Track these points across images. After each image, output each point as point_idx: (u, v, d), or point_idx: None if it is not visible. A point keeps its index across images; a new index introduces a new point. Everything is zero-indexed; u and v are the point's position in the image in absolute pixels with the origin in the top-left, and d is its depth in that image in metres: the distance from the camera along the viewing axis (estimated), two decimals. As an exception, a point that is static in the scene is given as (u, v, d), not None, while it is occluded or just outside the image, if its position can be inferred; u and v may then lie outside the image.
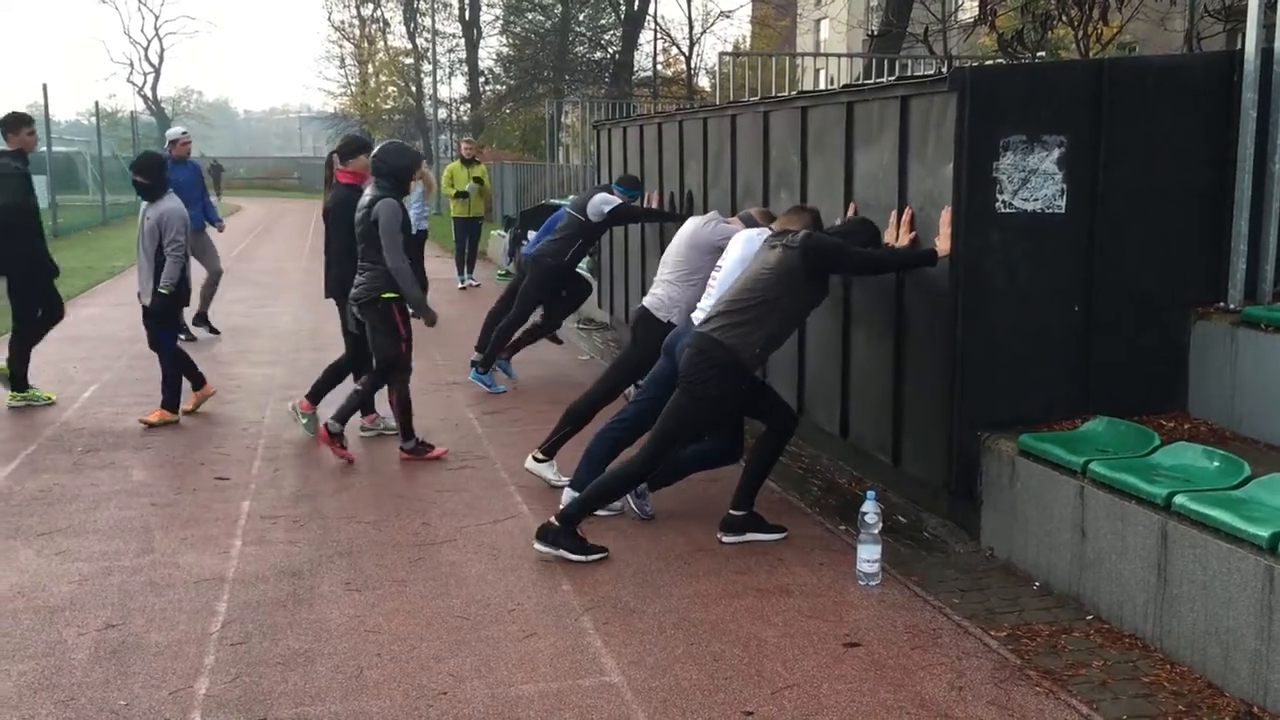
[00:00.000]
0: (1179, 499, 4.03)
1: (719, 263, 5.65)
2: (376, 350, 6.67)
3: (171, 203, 7.41)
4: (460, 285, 15.40)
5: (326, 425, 6.60)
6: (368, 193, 6.55)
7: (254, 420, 7.72)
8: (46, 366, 9.54)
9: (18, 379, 8.12)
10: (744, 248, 5.50)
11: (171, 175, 10.35)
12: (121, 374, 9.33)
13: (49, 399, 8.22)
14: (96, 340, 11.00)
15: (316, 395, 7.21)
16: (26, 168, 8.07)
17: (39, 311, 8.18)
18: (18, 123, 8.21)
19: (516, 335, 8.93)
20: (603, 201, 8.54)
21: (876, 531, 4.74)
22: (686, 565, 4.99)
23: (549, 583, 4.78)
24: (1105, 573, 4.38)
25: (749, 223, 5.99)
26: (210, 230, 11.30)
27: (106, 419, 7.73)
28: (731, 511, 5.33)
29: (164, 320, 7.57)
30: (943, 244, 5.07)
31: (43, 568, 4.95)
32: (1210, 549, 3.84)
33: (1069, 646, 4.18)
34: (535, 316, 9.04)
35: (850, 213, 5.71)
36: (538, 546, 5.05)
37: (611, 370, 6.45)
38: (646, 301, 6.19)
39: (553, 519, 5.10)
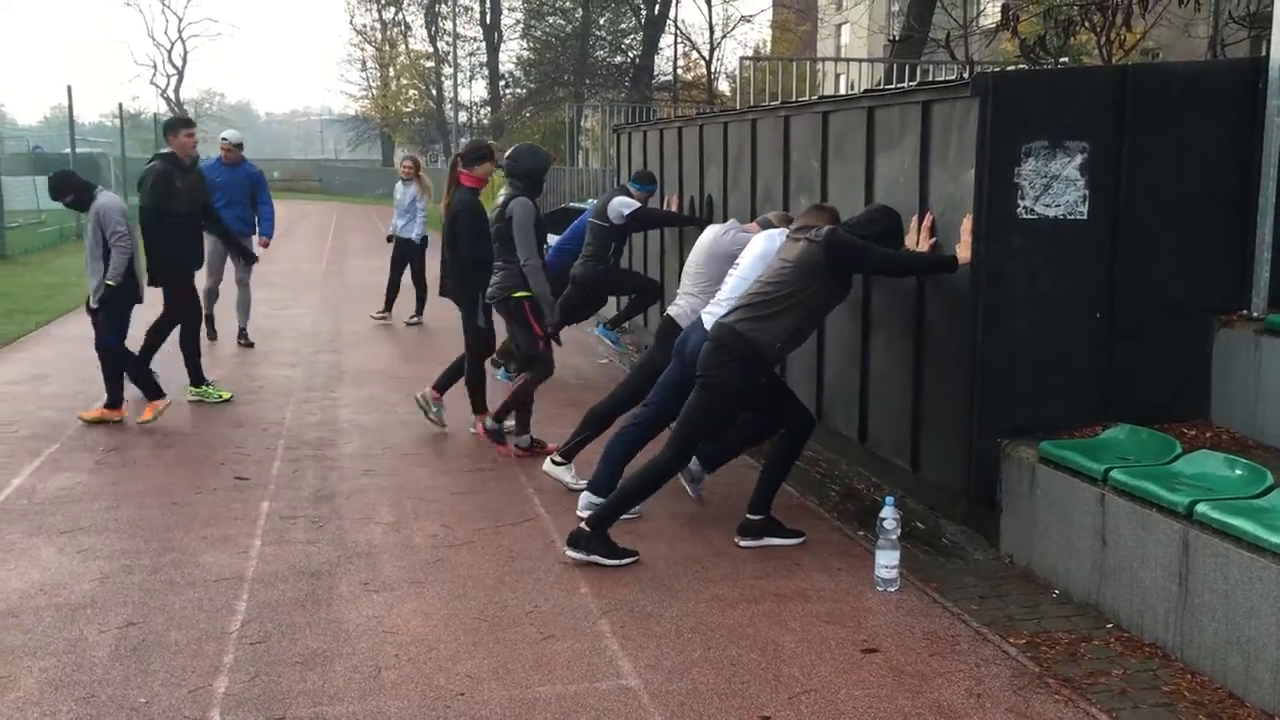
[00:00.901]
0: (1201, 508, 4.00)
1: (737, 260, 5.65)
2: (517, 347, 6.92)
3: (104, 198, 7.45)
4: None
5: (484, 425, 6.95)
6: (502, 193, 6.79)
7: (274, 421, 7.76)
8: (70, 366, 9.62)
9: (194, 374, 8.20)
10: (765, 244, 5.51)
11: (218, 179, 10.37)
12: (143, 374, 9.38)
13: (224, 397, 8.24)
14: (119, 340, 11.05)
15: (443, 386, 7.46)
16: (183, 170, 8.04)
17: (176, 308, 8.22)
18: (179, 125, 8.31)
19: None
20: (622, 204, 8.56)
21: (895, 537, 4.72)
22: (704, 570, 4.99)
23: (567, 586, 4.79)
24: (1126, 581, 4.35)
25: (767, 227, 5.99)
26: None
27: (128, 419, 7.77)
28: (749, 516, 5.32)
29: (110, 315, 7.52)
30: (963, 251, 5.06)
31: (64, 566, 4.98)
32: (1232, 558, 3.81)
33: (1088, 655, 4.16)
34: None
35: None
36: (569, 553, 5.04)
37: (633, 376, 6.45)
38: (671, 311, 6.20)
39: (583, 524, 5.10)
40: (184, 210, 8.02)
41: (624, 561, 5.00)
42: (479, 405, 7.15)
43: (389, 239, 12.80)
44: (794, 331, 5.12)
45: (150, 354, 8.04)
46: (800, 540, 5.30)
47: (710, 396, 5.11)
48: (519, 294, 6.65)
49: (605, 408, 6.27)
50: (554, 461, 6.18)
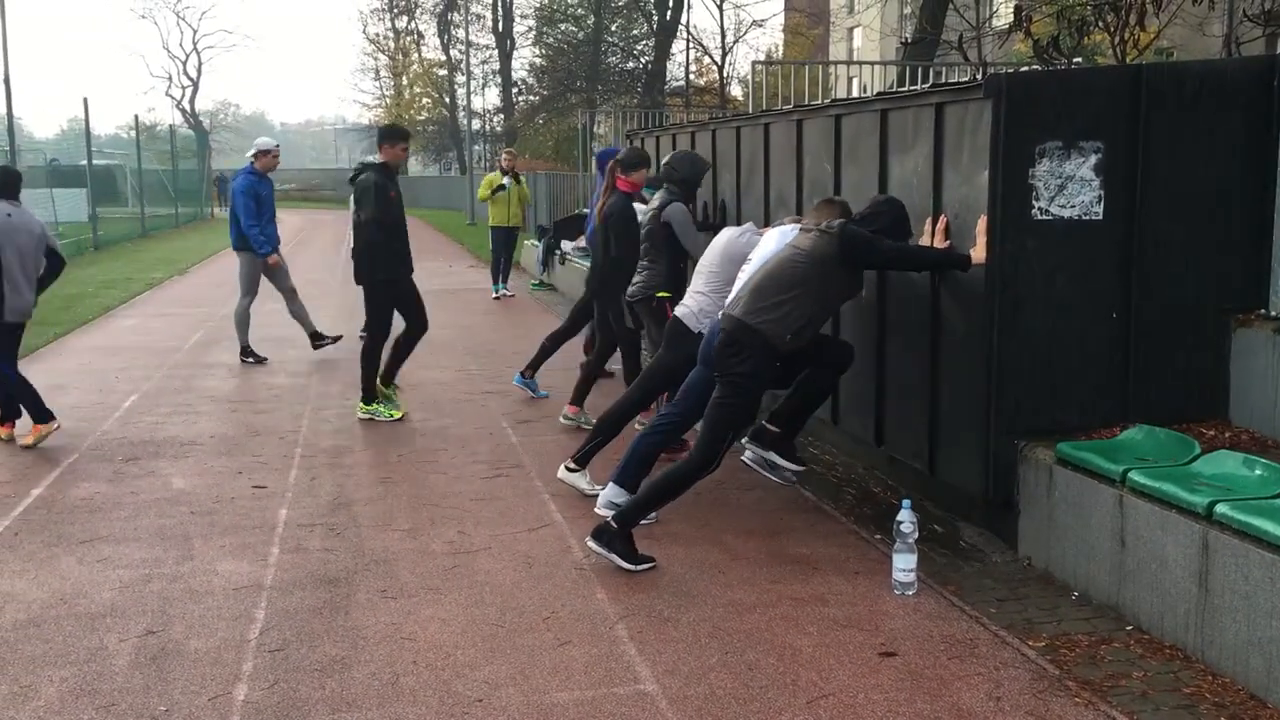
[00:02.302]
0: (1220, 508, 3.98)
1: (750, 255, 5.65)
2: (653, 346, 6.98)
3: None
4: (495, 295, 15.44)
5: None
6: (656, 197, 6.94)
7: (291, 429, 7.78)
8: (88, 376, 9.69)
9: (366, 391, 8.11)
10: (778, 240, 5.51)
11: (262, 190, 10.30)
12: (161, 384, 9.44)
13: (393, 415, 8.05)
14: (136, 350, 11.14)
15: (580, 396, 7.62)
16: (394, 181, 8.05)
17: (388, 324, 8.15)
18: (395, 136, 8.27)
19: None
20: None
21: (912, 540, 4.71)
22: (721, 574, 4.98)
23: (584, 591, 4.79)
24: (1145, 582, 4.33)
25: None
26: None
27: (146, 428, 7.82)
28: (767, 425, 5.35)
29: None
30: (978, 251, 5.04)
31: (84, 575, 5.01)
32: (1252, 559, 3.79)
33: (1108, 657, 4.14)
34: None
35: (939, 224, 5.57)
36: (591, 544, 5.07)
37: (644, 379, 6.45)
38: (679, 311, 6.19)
39: (610, 520, 5.10)
40: (396, 221, 7.99)
41: (640, 568, 5.00)
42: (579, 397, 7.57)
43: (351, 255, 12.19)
44: (805, 323, 5.12)
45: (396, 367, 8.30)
46: (800, 470, 5.45)
47: (729, 392, 5.11)
48: (662, 294, 6.79)
49: (617, 413, 6.27)
50: (568, 468, 6.19)
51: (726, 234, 6.20)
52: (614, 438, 6.24)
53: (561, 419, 7.72)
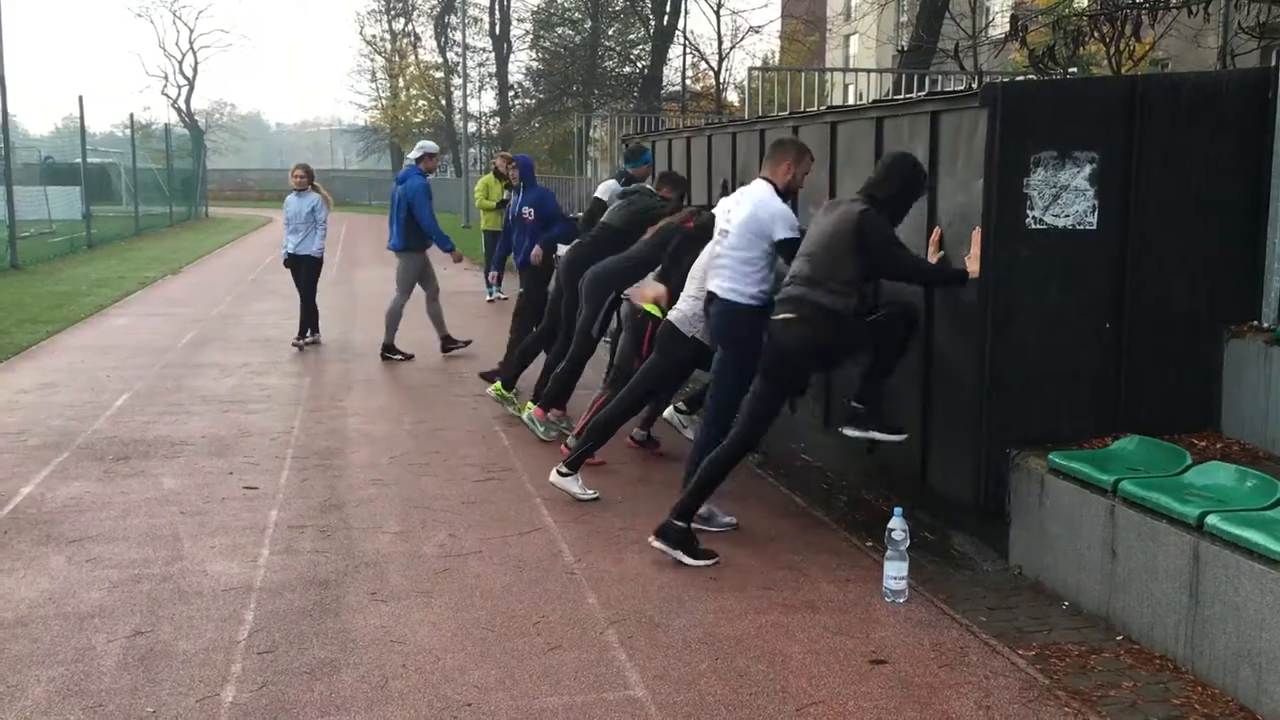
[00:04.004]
0: (1211, 519, 3.98)
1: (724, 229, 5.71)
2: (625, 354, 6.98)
3: None
4: (489, 298, 15.42)
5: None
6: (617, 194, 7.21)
7: (283, 430, 7.77)
8: (79, 374, 9.66)
9: (505, 381, 8.22)
10: (747, 209, 5.60)
11: (421, 213, 10.17)
12: (153, 383, 9.42)
13: (521, 410, 7.91)
14: (129, 349, 11.11)
15: (688, 402, 7.30)
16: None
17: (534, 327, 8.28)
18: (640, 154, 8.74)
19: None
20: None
21: (904, 548, 4.71)
22: (712, 580, 4.98)
23: (574, 595, 4.78)
24: (1136, 593, 4.33)
25: None
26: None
27: (138, 428, 7.80)
28: (854, 404, 5.40)
29: None
30: (973, 265, 5.04)
31: (73, 575, 4.99)
32: (1243, 570, 3.79)
33: (1098, 667, 4.14)
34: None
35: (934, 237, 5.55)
36: (655, 543, 5.16)
37: (636, 383, 6.44)
38: (672, 316, 6.19)
39: (673, 519, 5.18)
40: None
41: (702, 563, 5.10)
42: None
43: (285, 263, 11.51)
44: (853, 301, 5.18)
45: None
46: (903, 437, 5.41)
47: (769, 384, 5.22)
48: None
49: (607, 418, 6.25)
50: (560, 473, 6.18)
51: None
52: (605, 442, 6.23)
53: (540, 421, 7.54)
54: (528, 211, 8.99)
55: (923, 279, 5.36)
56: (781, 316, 5.18)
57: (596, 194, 8.84)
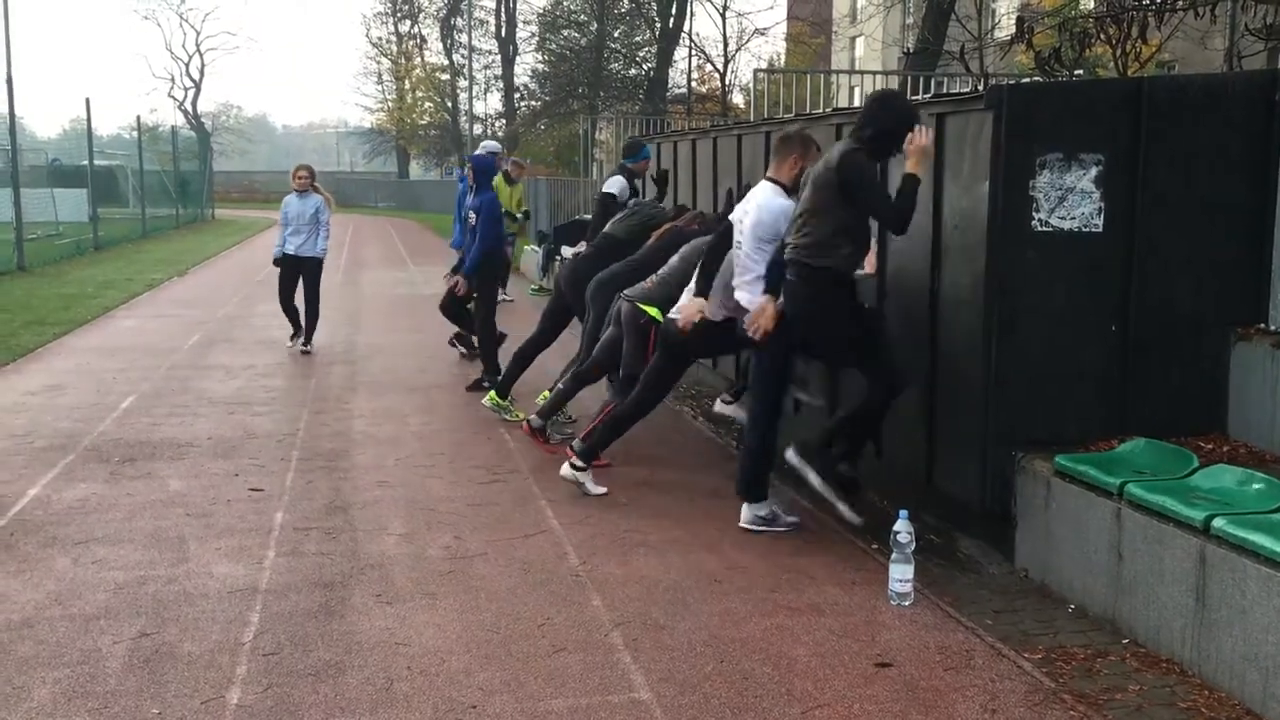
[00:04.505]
0: (1218, 522, 3.97)
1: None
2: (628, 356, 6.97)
3: None
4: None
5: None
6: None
7: (289, 432, 7.77)
8: (86, 376, 9.68)
9: (500, 390, 8.13)
10: (754, 215, 5.63)
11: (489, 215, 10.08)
12: (159, 385, 9.43)
13: (518, 416, 7.87)
14: (135, 351, 11.13)
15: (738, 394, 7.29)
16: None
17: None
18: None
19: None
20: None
21: (909, 551, 4.70)
22: (717, 583, 4.97)
23: (579, 598, 4.78)
24: (1142, 596, 4.32)
25: None
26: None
27: (143, 429, 7.81)
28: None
29: None
30: (911, 163, 5.00)
31: (79, 576, 5.00)
32: (1250, 573, 3.78)
33: (1105, 670, 4.13)
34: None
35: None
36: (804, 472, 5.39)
37: (650, 380, 6.39)
38: (672, 313, 6.20)
39: (805, 455, 5.40)
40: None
41: (836, 497, 5.39)
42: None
43: (276, 261, 11.33)
44: (849, 251, 5.18)
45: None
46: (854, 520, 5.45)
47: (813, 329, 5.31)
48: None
49: (628, 413, 6.27)
50: (573, 465, 6.20)
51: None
52: (619, 437, 6.25)
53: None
54: (472, 216, 9.05)
55: (892, 213, 5.12)
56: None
57: (606, 189, 8.82)
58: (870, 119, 5.16)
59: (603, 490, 6.11)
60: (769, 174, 5.75)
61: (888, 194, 5.16)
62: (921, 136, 4.99)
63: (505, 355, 9.06)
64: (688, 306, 5.94)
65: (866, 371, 5.32)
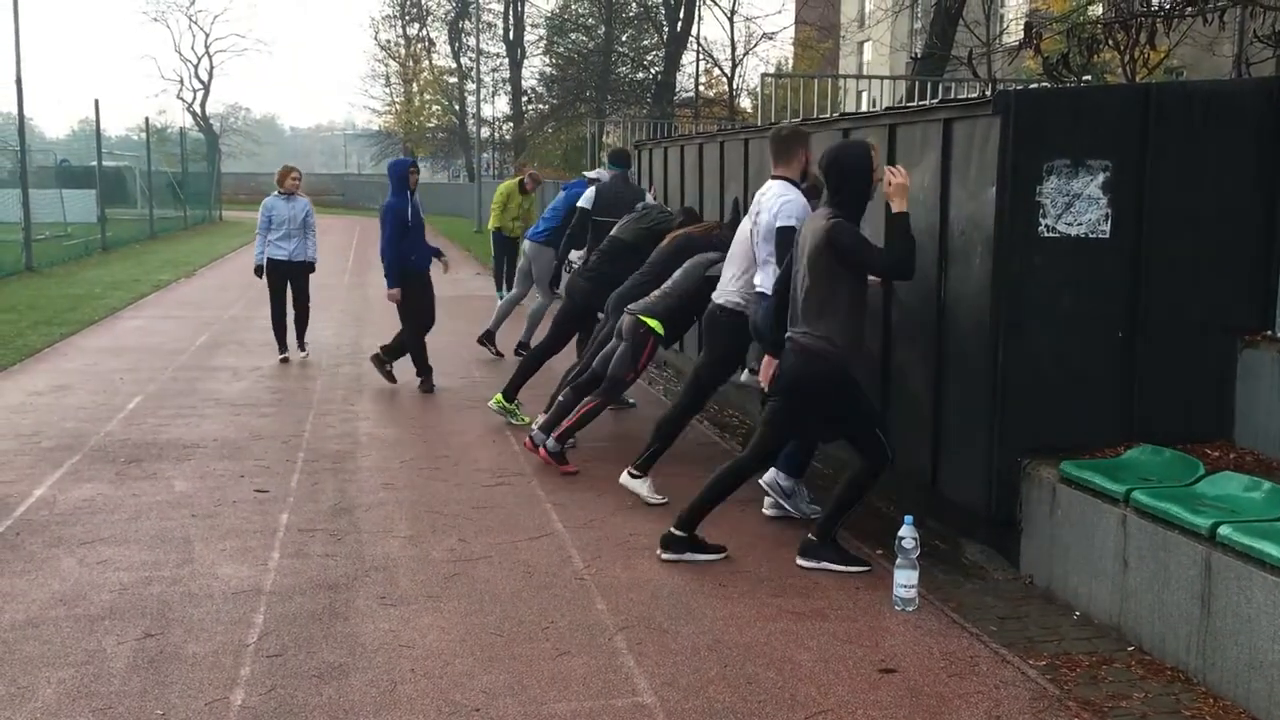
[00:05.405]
0: (1224, 530, 3.96)
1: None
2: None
3: None
4: (498, 301, 15.36)
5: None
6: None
7: (294, 433, 7.78)
8: (93, 377, 9.70)
9: (505, 393, 8.11)
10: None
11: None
12: (166, 385, 9.45)
13: (524, 420, 7.92)
14: (142, 352, 11.16)
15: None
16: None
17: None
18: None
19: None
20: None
21: (914, 556, 4.69)
22: (721, 587, 4.97)
23: (583, 601, 4.78)
24: (1147, 603, 4.31)
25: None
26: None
27: (150, 430, 7.82)
28: (809, 535, 5.29)
29: None
30: (896, 205, 4.87)
31: (84, 576, 5.01)
32: (1255, 581, 3.77)
33: (1109, 678, 4.12)
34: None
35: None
36: (800, 562, 5.19)
37: (698, 381, 6.38)
38: (747, 379, 6.33)
39: (810, 534, 5.24)
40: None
41: (853, 569, 5.12)
42: None
43: (259, 271, 10.72)
44: (848, 322, 5.03)
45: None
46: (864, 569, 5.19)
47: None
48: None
49: (673, 418, 6.29)
50: (630, 474, 6.23)
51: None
52: (673, 442, 6.27)
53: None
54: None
55: (891, 263, 4.98)
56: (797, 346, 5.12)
57: (579, 203, 8.83)
58: (837, 182, 5.00)
59: (663, 500, 6.08)
60: (777, 173, 5.77)
61: (878, 248, 4.98)
62: (896, 175, 4.88)
63: (508, 353, 9.09)
64: (764, 369, 5.67)
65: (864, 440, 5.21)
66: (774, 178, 5.84)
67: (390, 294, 9.23)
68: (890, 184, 4.88)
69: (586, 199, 8.75)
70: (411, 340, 9.38)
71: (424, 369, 9.40)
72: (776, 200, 5.65)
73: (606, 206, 8.61)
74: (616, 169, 9.25)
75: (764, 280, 5.69)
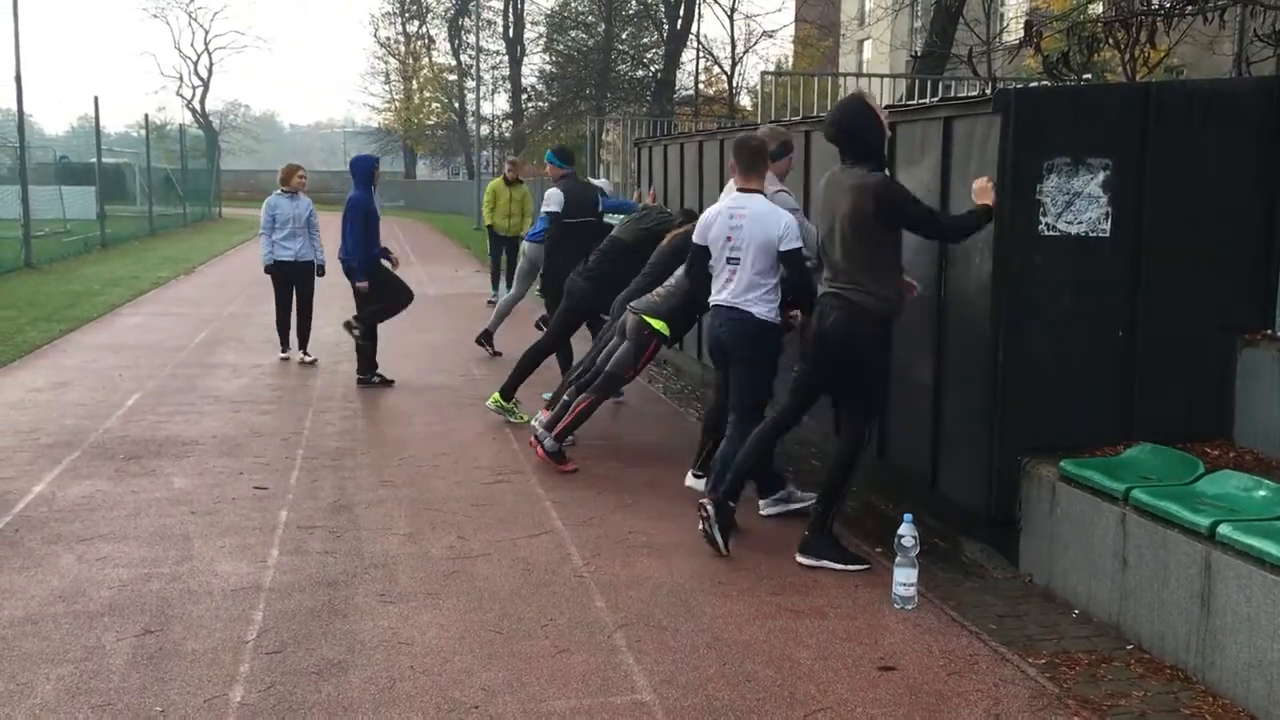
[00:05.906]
0: (1223, 528, 3.96)
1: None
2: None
3: None
4: (490, 299, 15.33)
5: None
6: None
7: (294, 431, 7.78)
8: (92, 373, 9.70)
9: (503, 392, 8.10)
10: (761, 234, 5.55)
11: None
12: (165, 382, 9.45)
13: (523, 418, 7.95)
14: (141, 349, 11.15)
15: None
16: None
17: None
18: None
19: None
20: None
21: (913, 555, 4.69)
22: (720, 585, 4.97)
23: (582, 598, 4.78)
24: (1147, 602, 4.31)
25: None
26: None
27: (149, 427, 7.82)
28: (806, 532, 5.29)
29: None
30: (984, 198, 4.95)
31: (83, 573, 5.01)
32: (1255, 580, 3.77)
33: (1109, 676, 4.12)
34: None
35: None
36: (801, 560, 5.16)
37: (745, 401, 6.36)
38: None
39: (806, 531, 5.22)
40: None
41: (852, 567, 5.11)
42: None
43: (268, 269, 10.57)
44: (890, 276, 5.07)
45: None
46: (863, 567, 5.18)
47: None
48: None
49: (717, 413, 6.22)
50: (694, 474, 6.35)
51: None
52: (721, 436, 6.24)
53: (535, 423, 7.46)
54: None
55: (953, 224, 5.10)
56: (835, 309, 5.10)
57: (547, 207, 8.53)
58: (861, 148, 5.02)
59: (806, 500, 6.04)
60: (747, 185, 5.61)
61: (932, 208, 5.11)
62: (984, 181, 4.99)
63: (509, 356, 9.08)
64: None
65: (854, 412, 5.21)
66: (743, 190, 5.63)
67: (360, 286, 9.40)
68: (977, 189, 4.99)
69: (557, 202, 8.46)
70: (380, 318, 9.52)
71: (370, 365, 9.52)
72: (779, 223, 5.51)
73: (577, 208, 8.52)
74: (570, 167, 9.08)
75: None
